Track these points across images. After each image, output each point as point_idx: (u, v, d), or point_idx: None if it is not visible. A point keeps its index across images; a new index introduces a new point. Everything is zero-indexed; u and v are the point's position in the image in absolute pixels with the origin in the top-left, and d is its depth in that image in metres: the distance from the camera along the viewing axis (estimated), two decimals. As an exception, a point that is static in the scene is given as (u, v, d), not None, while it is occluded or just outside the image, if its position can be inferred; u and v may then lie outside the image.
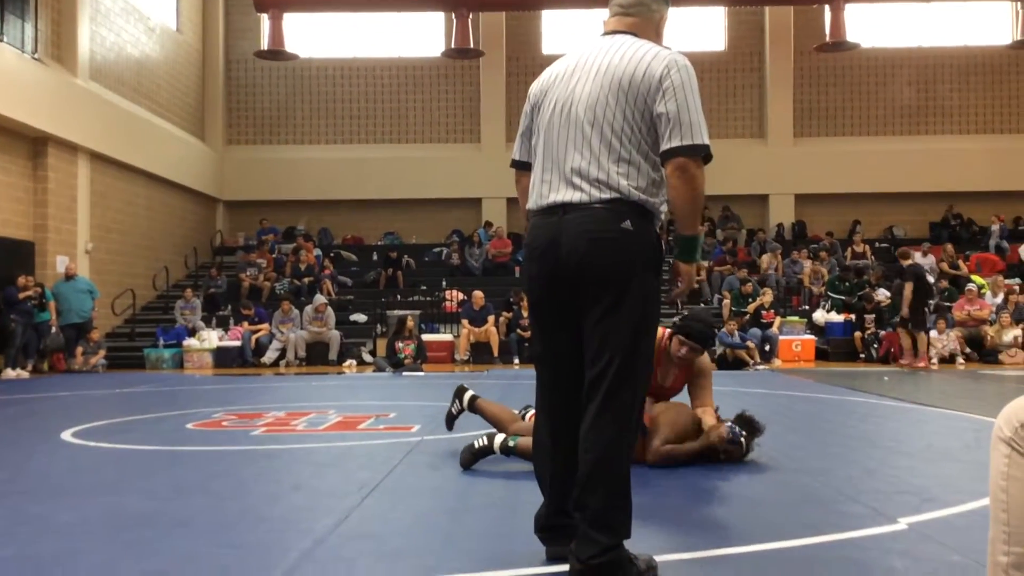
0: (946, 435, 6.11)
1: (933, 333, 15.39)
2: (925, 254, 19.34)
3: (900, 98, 22.61)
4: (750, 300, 16.56)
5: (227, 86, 22.85)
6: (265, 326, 16.49)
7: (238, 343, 16.15)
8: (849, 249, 20.12)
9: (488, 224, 21.63)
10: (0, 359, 14.05)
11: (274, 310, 16.66)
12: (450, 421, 5.36)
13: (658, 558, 2.88)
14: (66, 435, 6.21)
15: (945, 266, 18.65)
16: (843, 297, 17.31)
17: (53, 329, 14.79)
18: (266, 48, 19.30)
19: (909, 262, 14.98)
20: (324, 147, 22.81)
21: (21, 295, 14.09)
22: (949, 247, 19.34)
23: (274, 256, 19.95)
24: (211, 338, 16.20)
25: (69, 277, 15.40)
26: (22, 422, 7.62)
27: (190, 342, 16.11)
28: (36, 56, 15.49)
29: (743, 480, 4.24)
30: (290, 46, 19.54)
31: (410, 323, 14.48)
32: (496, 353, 15.80)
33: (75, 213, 16.39)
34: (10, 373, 13.52)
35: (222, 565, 2.85)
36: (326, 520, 3.42)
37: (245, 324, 16.55)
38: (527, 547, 3.05)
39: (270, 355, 15.99)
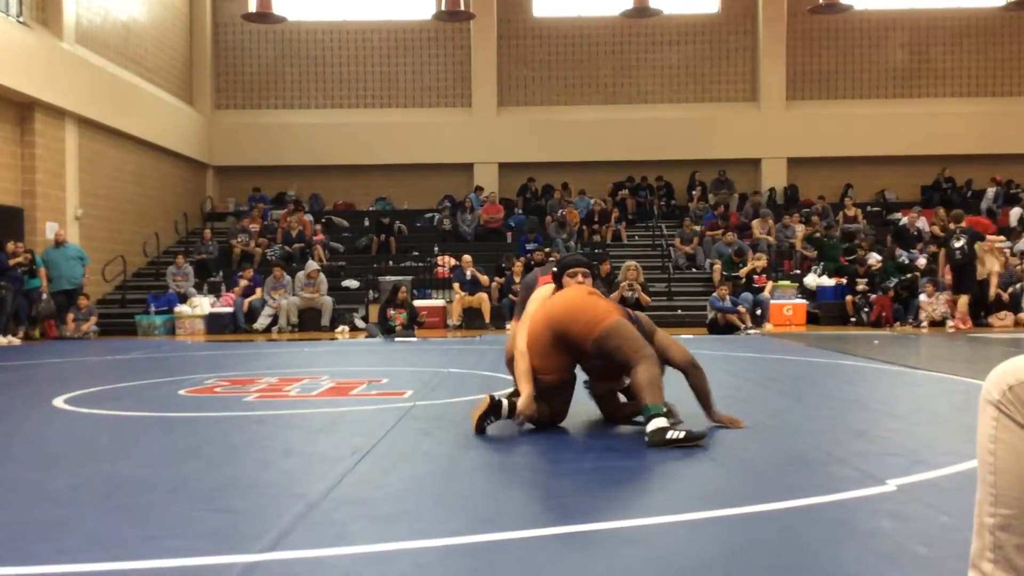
0: (935, 398, 6.16)
1: (923, 297, 15.47)
2: (917, 217, 19.37)
3: (893, 60, 22.50)
4: (741, 265, 16.62)
5: (215, 50, 22.61)
6: (257, 291, 16.46)
7: (230, 309, 16.13)
8: (841, 213, 20.14)
9: (479, 188, 21.55)
10: (-9, 326, 14.02)
11: (266, 276, 16.63)
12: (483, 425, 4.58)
13: (646, 521, 2.91)
14: (58, 402, 6.22)
15: (936, 229, 18.68)
16: (833, 263, 17.40)
17: (44, 296, 14.76)
18: (254, 11, 19.09)
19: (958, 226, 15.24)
20: (314, 111, 22.63)
21: (11, 262, 14.03)
22: (940, 210, 19.37)
23: (265, 222, 19.86)
24: (203, 304, 16.17)
25: (59, 244, 15.33)
26: (14, 389, 7.62)
27: (182, 308, 16.08)
28: (21, 20, 15.28)
29: (732, 442, 4.27)
30: (278, 8, 19.34)
31: (402, 293, 14.46)
32: (488, 319, 15.82)
33: (63, 179, 16.28)
34: (1, 340, 13.49)
35: (215, 529, 2.86)
36: (319, 485, 3.43)
37: (237, 288, 16.50)
38: (519, 509, 3.07)
39: (262, 321, 15.98)
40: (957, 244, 14.74)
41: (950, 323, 14.89)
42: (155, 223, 19.65)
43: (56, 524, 2.97)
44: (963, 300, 14.74)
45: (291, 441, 4.67)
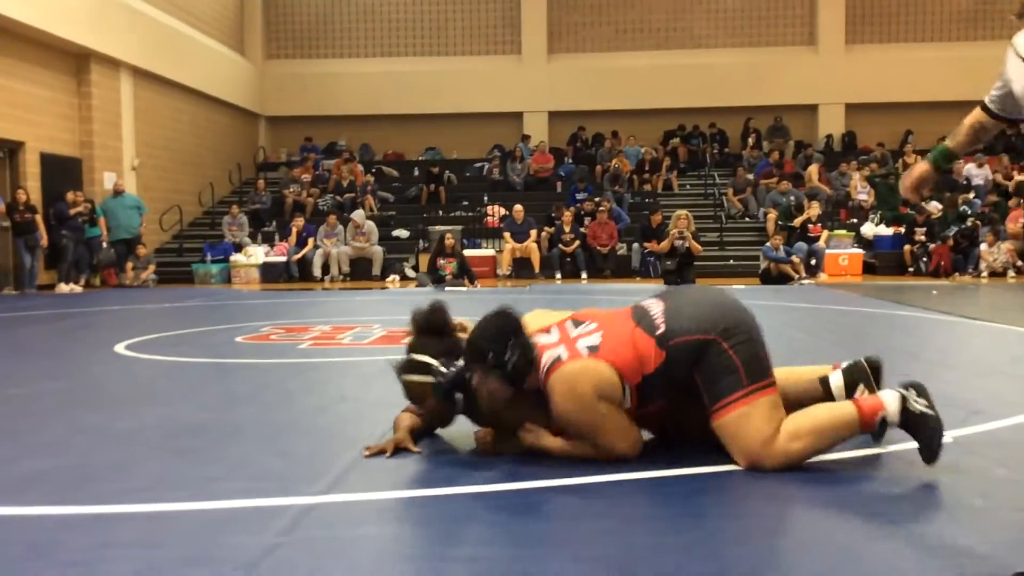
0: (994, 349, 6.03)
1: (983, 246, 15.11)
2: (980, 165, 18.82)
3: (957, 2, 21.70)
4: (796, 214, 16.34)
5: (266, -1, 22.61)
6: (309, 241, 16.62)
7: (283, 258, 16.34)
8: (900, 160, 19.65)
9: (526, 137, 21.38)
10: (53, 274, 14.39)
11: (318, 226, 16.77)
12: None
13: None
14: (119, 348, 6.37)
15: (999, 177, 18.15)
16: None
17: (104, 245, 15.09)
18: (304, -41, 18.99)
19: None
20: (364, 60, 22.58)
21: (72, 211, 14.33)
22: (1005, 158, 18.79)
23: (316, 172, 19.98)
24: (257, 254, 16.39)
25: (117, 193, 15.61)
26: (77, 335, 7.83)
27: (237, 257, 16.33)
28: (75, -29, 15.40)
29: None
30: (328, -44, 19.21)
31: (449, 241, 14.46)
32: (538, 268, 15.81)
33: (120, 129, 16.52)
34: (63, 288, 13.85)
35: (272, 472, 2.93)
36: (373, 430, 3.48)
37: (290, 238, 16.66)
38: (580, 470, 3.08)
39: (315, 270, 16.15)
40: None
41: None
42: (210, 173, 19.89)
43: (119, 465, 3.06)
44: None
45: (345, 387, 4.74)
